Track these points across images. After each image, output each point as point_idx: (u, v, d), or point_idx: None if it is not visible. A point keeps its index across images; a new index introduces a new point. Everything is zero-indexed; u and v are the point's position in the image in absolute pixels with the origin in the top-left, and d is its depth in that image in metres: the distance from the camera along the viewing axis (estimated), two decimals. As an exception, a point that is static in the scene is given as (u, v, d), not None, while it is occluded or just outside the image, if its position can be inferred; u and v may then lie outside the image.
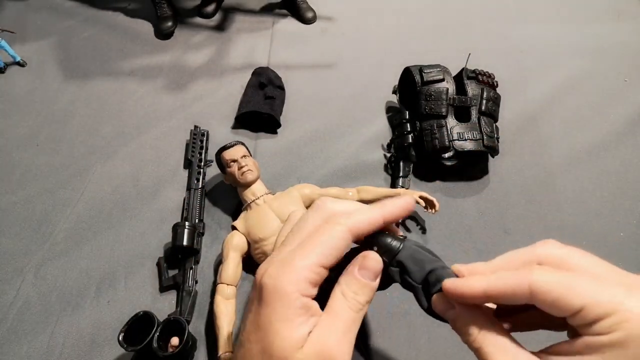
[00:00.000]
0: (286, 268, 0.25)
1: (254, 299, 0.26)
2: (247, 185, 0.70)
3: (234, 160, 0.70)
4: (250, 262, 0.68)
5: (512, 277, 0.23)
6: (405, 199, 0.29)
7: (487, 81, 0.83)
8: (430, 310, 0.30)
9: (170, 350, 0.56)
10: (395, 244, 0.31)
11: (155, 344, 0.55)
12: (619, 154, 0.87)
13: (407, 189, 0.79)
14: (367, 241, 0.31)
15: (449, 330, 0.27)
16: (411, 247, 0.32)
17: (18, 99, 1.02)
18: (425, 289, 0.30)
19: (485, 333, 0.24)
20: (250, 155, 0.74)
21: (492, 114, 0.80)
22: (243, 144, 0.74)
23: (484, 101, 0.80)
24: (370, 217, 0.27)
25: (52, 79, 1.07)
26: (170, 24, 1.17)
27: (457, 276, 0.27)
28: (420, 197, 0.72)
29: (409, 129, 0.84)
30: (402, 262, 0.31)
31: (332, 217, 0.27)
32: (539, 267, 0.23)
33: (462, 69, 0.84)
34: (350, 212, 0.28)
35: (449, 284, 0.25)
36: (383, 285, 0.32)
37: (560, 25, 1.20)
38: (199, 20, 1.24)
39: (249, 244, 0.67)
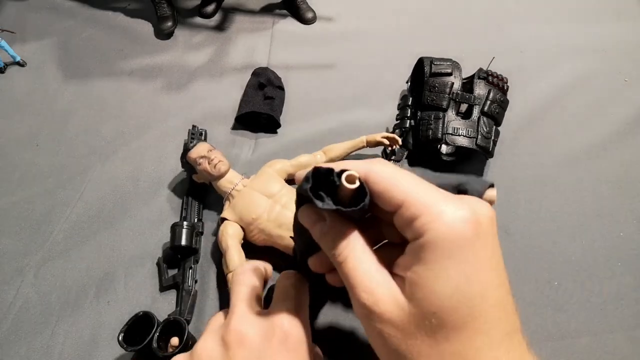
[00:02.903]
0: None
1: None
2: (222, 176, 0.71)
3: (203, 157, 0.71)
4: (250, 248, 0.69)
5: (358, 164, 0.24)
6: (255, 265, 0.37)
7: (496, 83, 0.83)
8: None
9: (170, 350, 0.56)
10: None
11: (155, 344, 0.55)
12: (619, 154, 0.87)
13: None
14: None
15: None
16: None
17: (18, 99, 1.02)
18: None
19: (351, 248, 0.24)
20: (215, 148, 0.75)
21: (494, 116, 0.80)
22: (204, 141, 0.76)
23: (488, 102, 0.80)
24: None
25: (52, 79, 1.07)
26: (170, 24, 1.17)
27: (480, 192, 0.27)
28: (382, 137, 0.78)
29: (409, 114, 0.85)
30: None
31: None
32: (380, 161, 0.24)
33: (479, 68, 0.85)
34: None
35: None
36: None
37: (560, 25, 1.20)
38: (199, 20, 1.24)
39: (242, 229, 0.68)
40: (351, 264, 0.23)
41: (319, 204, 0.23)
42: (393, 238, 0.27)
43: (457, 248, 0.20)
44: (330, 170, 0.24)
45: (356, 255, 0.23)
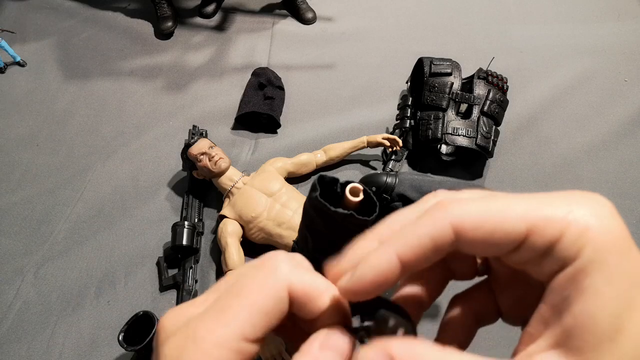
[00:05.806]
0: (191, 345, 0.14)
1: None
2: (222, 173, 0.72)
3: (203, 153, 0.72)
4: (249, 246, 0.69)
5: (425, 223, 0.15)
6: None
7: (496, 83, 0.83)
8: None
9: None
10: (390, 180, 0.33)
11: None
12: (619, 154, 0.87)
13: (397, 172, 0.81)
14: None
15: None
16: (406, 178, 0.33)
17: (18, 99, 1.02)
18: None
19: None
20: (215, 145, 0.75)
21: (494, 116, 0.80)
22: (205, 137, 0.76)
23: (488, 102, 0.80)
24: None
25: (52, 79, 1.07)
26: (170, 24, 1.17)
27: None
28: (383, 139, 0.79)
29: (408, 114, 0.86)
30: (403, 195, 0.32)
31: (270, 266, 0.16)
32: (448, 200, 0.16)
33: (479, 68, 0.85)
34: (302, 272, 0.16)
35: (343, 282, 0.15)
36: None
37: (560, 25, 1.20)
38: (199, 20, 1.24)
39: (242, 227, 0.69)
40: None
41: (332, 208, 0.23)
42: (464, 273, 0.18)
43: (626, 254, 0.14)
44: (335, 180, 0.24)
45: None
